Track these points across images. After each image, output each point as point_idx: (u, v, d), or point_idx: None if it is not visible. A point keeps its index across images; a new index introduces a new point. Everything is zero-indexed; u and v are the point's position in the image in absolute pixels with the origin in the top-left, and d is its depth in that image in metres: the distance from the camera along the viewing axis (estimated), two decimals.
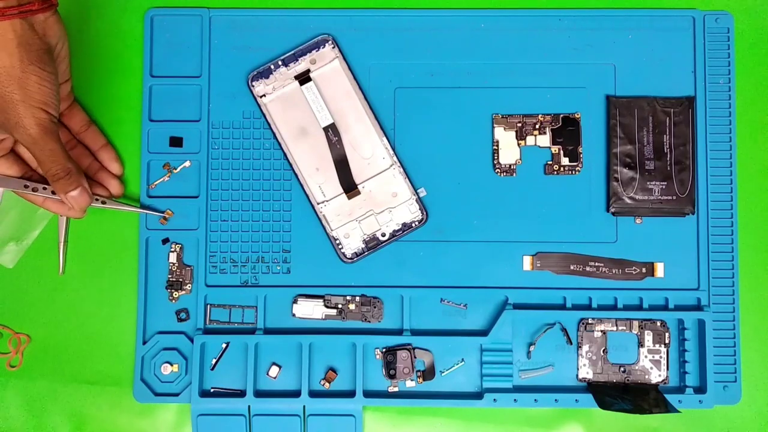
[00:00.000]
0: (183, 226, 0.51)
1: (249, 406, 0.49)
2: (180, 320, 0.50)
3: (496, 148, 0.51)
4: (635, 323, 0.50)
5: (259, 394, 0.50)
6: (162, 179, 0.51)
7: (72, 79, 0.48)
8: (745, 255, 0.51)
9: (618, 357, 0.50)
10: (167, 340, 0.50)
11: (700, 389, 0.49)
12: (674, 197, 0.50)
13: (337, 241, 0.50)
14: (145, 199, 0.51)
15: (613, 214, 0.50)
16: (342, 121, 0.50)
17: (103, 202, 0.49)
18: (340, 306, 0.50)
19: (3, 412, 0.51)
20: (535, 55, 0.51)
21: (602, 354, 0.50)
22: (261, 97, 0.51)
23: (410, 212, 0.50)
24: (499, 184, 0.51)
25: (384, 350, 0.50)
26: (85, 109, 0.51)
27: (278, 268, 0.51)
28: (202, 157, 0.51)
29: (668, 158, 0.50)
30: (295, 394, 0.49)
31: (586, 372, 0.50)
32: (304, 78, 0.50)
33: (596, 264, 0.50)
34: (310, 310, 0.50)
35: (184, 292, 0.51)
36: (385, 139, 0.50)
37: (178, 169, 0.51)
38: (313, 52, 0.51)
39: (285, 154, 0.51)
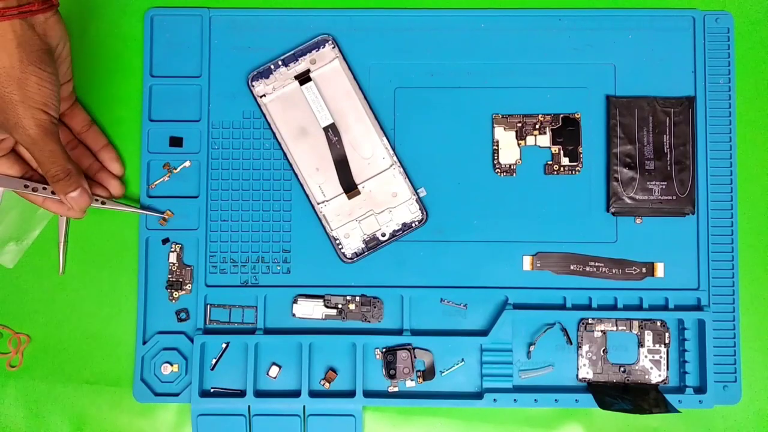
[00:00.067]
0: (183, 226, 0.51)
1: (249, 406, 0.49)
2: (180, 320, 0.50)
3: (496, 148, 0.51)
4: (635, 323, 0.50)
5: (259, 394, 0.50)
6: (162, 179, 0.51)
7: (73, 80, 0.48)
8: (745, 255, 0.51)
9: (618, 357, 0.50)
10: (167, 340, 0.50)
11: (700, 389, 0.49)
12: (674, 197, 0.50)
13: (337, 241, 0.50)
14: (145, 199, 0.51)
15: (613, 214, 0.50)
16: (342, 121, 0.50)
17: (103, 203, 0.49)
18: (340, 306, 0.50)
19: (3, 412, 0.51)
20: (535, 55, 0.51)
21: (602, 354, 0.50)
22: (261, 97, 0.51)
23: (410, 212, 0.50)
24: (499, 184, 0.51)
25: (384, 350, 0.50)
26: (85, 109, 0.51)
27: (278, 268, 0.51)
28: (202, 157, 0.51)
29: (668, 158, 0.50)
30: (295, 394, 0.49)
31: (586, 372, 0.50)
32: (304, 78, 0.50)
33: (596, 264, 0.50)
34: (310, 310, 0.50)
35: (184, 292, 0.51)
36: (385, 139, 0.50)
37: (178, 169, 0.51)
38: (313, 52, 0.51)
39: (285, 154, 0.51)
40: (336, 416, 0.49)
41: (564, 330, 0.50)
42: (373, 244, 0.50)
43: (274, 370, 0.50)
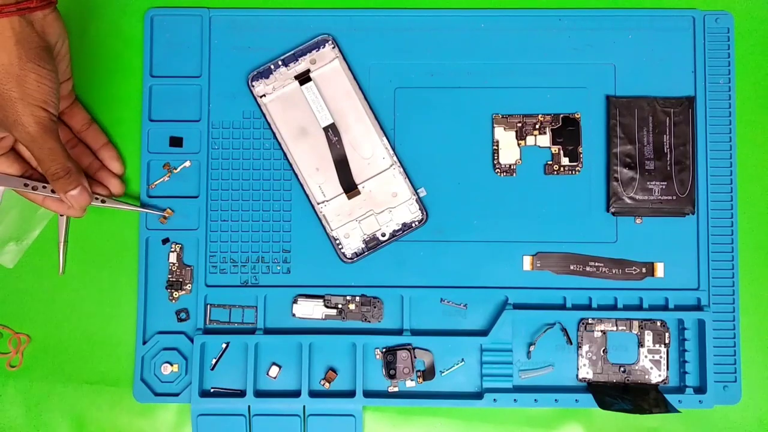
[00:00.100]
0: (183, 226, 0.51)
1: (249, 406, 0.49)
2: (180, 320, 0.50)
3: (496, 148, 0.51)
4: (635, 323, 0.50)
5: (259, 394, 0.50)
6: (162, 179, 0.51)
7: (73, 78, 0.48)
8: (745, 255, 0.51)
9: (618, 357, 0.50)
10: (167, 340, 0.50)
11: (700, 389, 0.49)
12: (674, 197, 0.50)
13: (337, 241, 0.50)
14: (145, 199, 0.51)
15: (613, 214, 0.50)
16: (342, 121, 0.50)
17: (103, 201, 0.49)
18: (340, 306, 0.50)
19: (3, 412, 0.51)
20: (535, 55, 0.51)
21: (602, 354, 0.50)
22: (261, 97, 0.51)
23: (410, 212, 0.50)
24: (499, 184, 0.51)
25: (384, 350, 0.50)
26: (85, 109, 0.51)
27: (278, 268, 0.51)
28: (202, 157, 0.51)
29: (668, 158, 0.50)
30: (295, 394, 0.49)
31: (586, 372, 0.50)
32: (304, 78, 0.50)
33: (596, 264, 0.50)
34: (310, 310, 0.50)
35: (184, 292, 0.51)
36: (385, 139, 0.50)
37: (178, 169, 0.51)
38: (313, 52, 0.51)
39: (285, 154, 0.51)
40: (336, 416, 0.49)
41: (564, 330, 0.50)
42: (373, 244, 0.50)
43: (274, 370, 0.50)
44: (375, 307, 0.50)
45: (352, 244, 0.50)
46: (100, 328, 0.51)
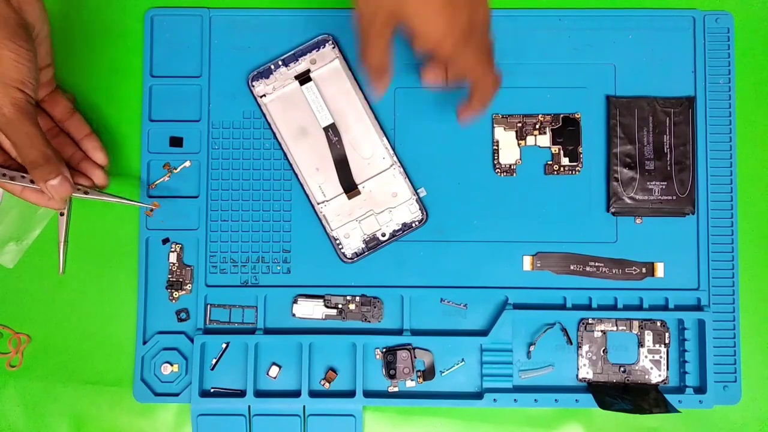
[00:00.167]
0: (183, 226, 0.51)
1: (249, 406, 0.49)
2: (180, 320, 0.50)
3: (496, 148, 0.51)
4: (635, 323, 0.50)
5: (259, 394, 0.50)
6: (162, 179, 0.51)
7: (54, 65, 0.46)
8: (745, 255, 0.51)
9: (618, 357, 0.50)
10: (167, 340, 0.50)
11: (700, 389, 0.49)
12: (674, 197, 0.50)
13: (337, 241, 0.50)
14: (145, 200, 0.51)
15: (613, 214, 0.50)
16: (342, 121, 0.50)
17: (86, 193, 0.46)
18: (340, 306, 0.50)
19: (3, 412, 0.51)
20: (535, 55, 0.51)
21: (602, 354, 0.50)
22: (261, 97, 0.51)
23: (410, 212, 0.50)
24: (499, 184, 0.51)
25: (384, 350, 0.50)
26: (85, 110, 0.51)
27: (278, 268, 0.51)
28: (202, 157, 0.51)
29: (668, 158, 0.50)
30: (295, 394, 0.49)
31: (586, 372, 0.50)
32: (304, 78, 0.50)
33: (596, 264, 0.50)
34: (310, 310, 0.50)
35: (184, 292, 0.51)
36: (385, 139, 0.50)
37: (178, 169, 0.51)
38: (313, 52, 0.51)
39: (285, 154, 0.51)
40: (336, 416, 0.49)
41: (564, 330, 0.50)
42: (373, 244, 0.50)
43: (274, 370, 0.50)
44: (375, 307, 0.50)
45: (352, 244, 0.50)
46: (100, 328, 0.51)
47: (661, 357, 0.50)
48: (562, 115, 0.51)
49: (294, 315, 0.50)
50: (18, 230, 0.52)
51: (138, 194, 0.51)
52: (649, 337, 0.50)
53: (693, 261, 0.50)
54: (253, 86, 0.51)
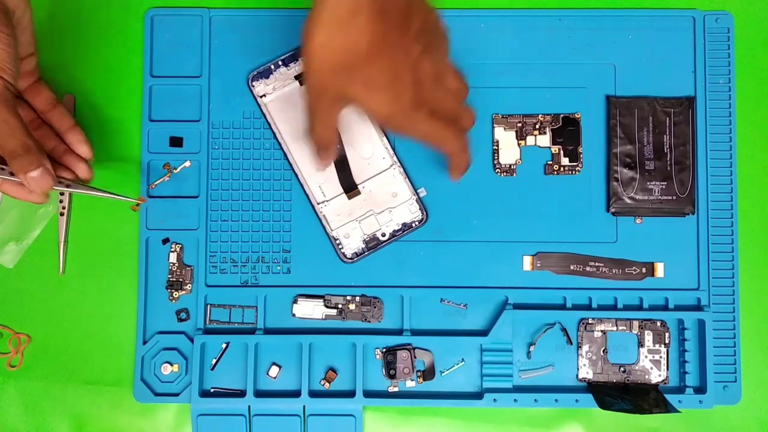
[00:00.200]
0: (183, 226, 0.51)
1: (249, 406, 0.49)
2: (180, 320, 0.50)
3: (496, 148, 0.51)
4: (635, 323, 0.50)
5: (259, 394, 0.50)
6: (162, 179, 0.51)
7: (38, 54, 0.46)
8: (745, 255, 0.51)
9: (618, 357, 0.50)
10: (167, 340, 0.50)
11: (700, 389, 0.49)
12: (674, 197, 0.50)
13: (337, 241, 0.50)
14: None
15: (613, 214, 0.50)
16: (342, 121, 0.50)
17: (68, 186, 0.45)
18: (340, 306, 0.50)
19: (3, 412, 0.51)
20: (535, 55, 0.51)
21: (602, 354, 0.50)
22: (261, 97, 0.51)
23: (410, 212, 0.50)
24: (499, 184, 0.51)
25: (384, 350, 0.50)
26: (85, 110, 0.51)
27: (278, 268, 0.51)
28: (202, 157, 0.51)
29: (668, 158, 0.50)
30: (295, 394, 0.49)
31: (586, 372, 0.50)
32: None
33: (596, 264, 0.50)
34: (310, 310, 0.50)
35: (184, 292, 0.51)
36: (385, 139, 0.50)
37: (178, 169, 0.51)
38: None
39: (285, 154, 0.51)
40: (336, 416, 0.49)
41: (564, 330, 0.50)
42: (373, 244, 0.50)
43: (274, 370, 0.50)
44: (375, 307, 0.50)
45: (352, 244, 0.50)
46: (100, 328, 0.51)
47: (661, 357, 0.50)
48: (562, 115, 0.51)
49: (294, 315, 0.50)
50: (18, 230, 0.52)
51: (138, 194, 0.51)
52: (649, 337, 0.50)
53: (693, 261, 0.50)
54: (253, 86, 0.51)
